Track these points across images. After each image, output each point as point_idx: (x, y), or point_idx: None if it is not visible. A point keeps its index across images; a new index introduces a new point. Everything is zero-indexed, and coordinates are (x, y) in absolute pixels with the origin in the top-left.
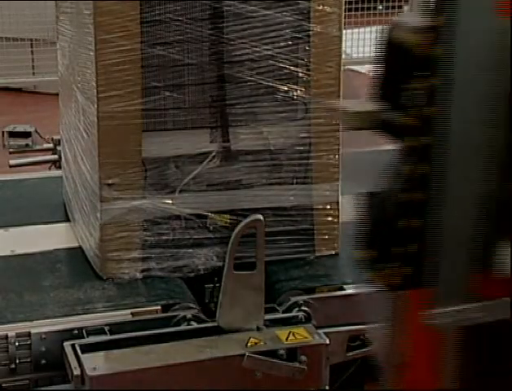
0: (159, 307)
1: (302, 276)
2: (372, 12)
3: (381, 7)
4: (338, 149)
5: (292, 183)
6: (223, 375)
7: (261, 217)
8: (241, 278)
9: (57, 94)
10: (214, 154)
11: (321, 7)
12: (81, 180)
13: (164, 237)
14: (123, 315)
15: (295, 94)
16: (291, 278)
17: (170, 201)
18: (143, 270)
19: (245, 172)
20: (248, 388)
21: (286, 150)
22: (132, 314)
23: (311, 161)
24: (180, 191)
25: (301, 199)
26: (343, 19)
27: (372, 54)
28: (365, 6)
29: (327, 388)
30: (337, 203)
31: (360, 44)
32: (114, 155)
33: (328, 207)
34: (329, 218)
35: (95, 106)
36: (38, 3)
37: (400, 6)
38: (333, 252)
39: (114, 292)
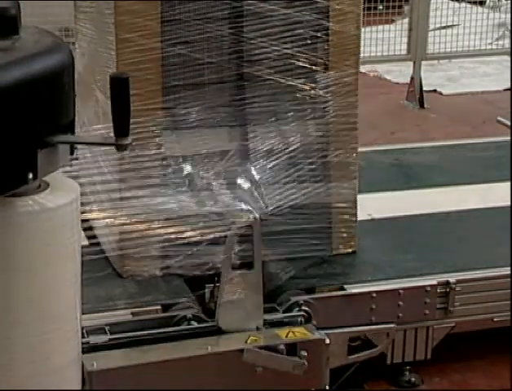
0: (159, 307)
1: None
2: (372, 12)
3: (381, 7)
4: (356, 147)
5: (310, 181)
6: (223, 370)
7: (257, 215)
8: (239, 277)
9: None
10: (232, 152)
11: (340, 6)
12: (102, 179)
13: (183, 235)
14: (123, 315)
15: (313, 92)
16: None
17: (190, 199)
18: (162, 268)
19: (263, 170)
20: (248, 385)
21: (305, 148)
22: (132, 313)
23: (328, 159)
24: (199, 189)
25: (318, 198)
26: (361, 18)
27: (373, 54)
28: (365, 6)
29: (327, 388)
30: (355, 201)
31: (361, 44)
32: (135, 154)
33: (346, 205)
34: (347, 216)
35: None
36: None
37: (400, 6)
38: (350, 251)
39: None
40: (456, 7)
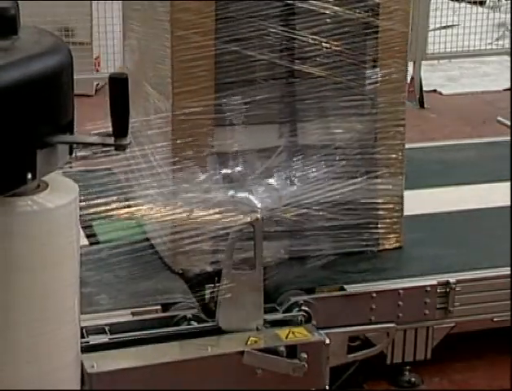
0: (159, 307)
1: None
2: None
3: None
4: (403, 144)
5: (357, 177)
6: (223, 372)
7: (259, 215)
8: (240, 277)
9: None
10: (281, 149)
11: (390, 4)
12: (152, 175)
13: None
14: (123, 315)
15: (362, 89)
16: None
17: (240, 195)
18: (212, 263)
19: (312, 166)
20: (248, 386)
21: (352, 144)
22: (132, 313)
23: (376, 156)
24: (249, 185)
25: (365, 193)
26: (410, 16)
27: None
28: None
29: (327, 388)
30: (401, 197)
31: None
32: (187, 149)
33: (393, 201)
34: (393, 212)
35: (170, 101)
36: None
37: None
38: (397, 246)
39: None
40: (456, 7)
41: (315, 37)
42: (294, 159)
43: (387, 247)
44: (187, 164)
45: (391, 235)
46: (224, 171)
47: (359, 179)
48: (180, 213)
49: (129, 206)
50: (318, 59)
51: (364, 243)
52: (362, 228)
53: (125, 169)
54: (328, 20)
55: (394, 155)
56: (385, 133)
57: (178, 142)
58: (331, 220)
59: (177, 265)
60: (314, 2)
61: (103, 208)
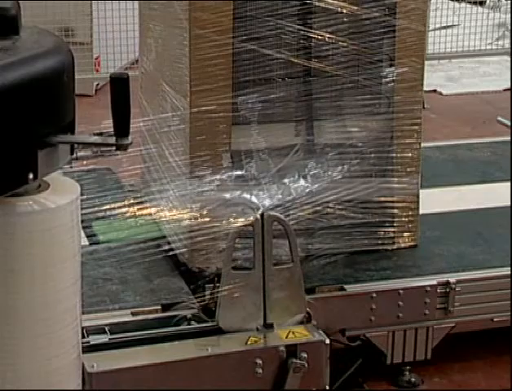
0: (159, 307)
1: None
2: None
3: None
4: (419, 142)
5: (373, 176)
6: (223, 372)
7: (258, 216)
8: (240, 277)
9: None
10: (298, 147)
11: (407, 3)
12: (169, 174)
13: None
14: (123, 315)
15: (379, 88)
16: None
17: (256, 193)
18: None
19: (328, 164)
20: (248, 386)
21: (369, 143)
22: (132, 313)
23: (392, 154)
24: (265, 184)
25: (382, 192)
26: (428, 15)
27: None
28: None
29: (327, 388)
30: (417, 195)
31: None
32: (204, 148)
33: (409, 199)
34: (409, 211)
35: (188, 100)
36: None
37: None
38: (412, 244)
39: None
40: (456, 7)
41: (331, 35)
42: (311, 157)
43: (402, 245)
44: (204, 163)
45: (407, 234)
46: (240, 169)
47: (375, 178)
48: (196, 212)
49: (145, 205)
50: (335, 57)
51: (380, 241)
52: (378, 226)
53: (140, 167)
54: (345, 19)
55: (410, 154)
56: (401, 131)
57: (195, 140)
58: (347, 218)
59: (193, 264)
60: (331, 0)
61: (119, 204)
